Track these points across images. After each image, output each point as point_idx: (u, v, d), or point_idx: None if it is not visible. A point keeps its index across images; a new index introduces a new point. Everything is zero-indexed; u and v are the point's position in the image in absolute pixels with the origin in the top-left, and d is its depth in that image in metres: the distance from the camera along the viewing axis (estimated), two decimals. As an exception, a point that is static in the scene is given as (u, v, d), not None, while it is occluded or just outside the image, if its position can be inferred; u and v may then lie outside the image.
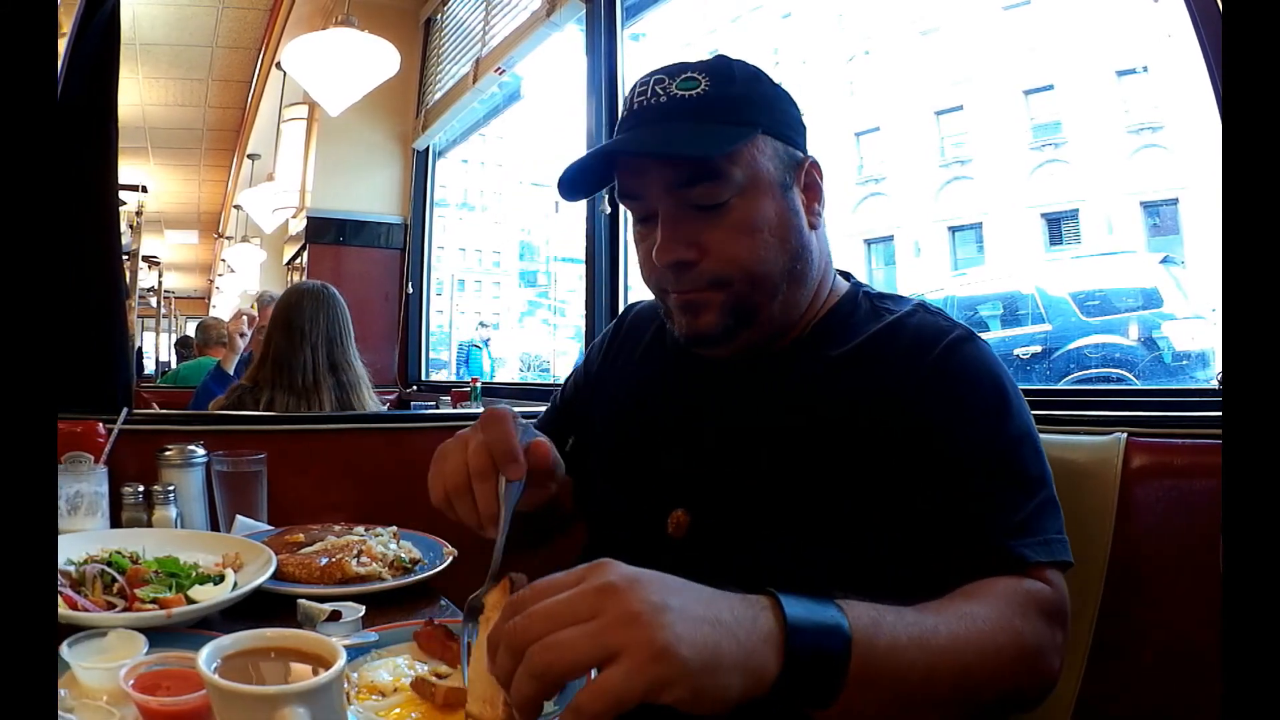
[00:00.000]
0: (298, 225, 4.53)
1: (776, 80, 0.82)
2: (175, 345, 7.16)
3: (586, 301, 2.36)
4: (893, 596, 0.58)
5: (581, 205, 2.32)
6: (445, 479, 0.68)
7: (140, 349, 6.66)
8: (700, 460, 0.80)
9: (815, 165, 0.82)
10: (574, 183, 0.82)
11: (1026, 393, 0.77)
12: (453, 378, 3.89)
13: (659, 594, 0.45)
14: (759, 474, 0.76)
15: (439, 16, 4.00)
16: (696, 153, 0.75)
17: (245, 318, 2.82)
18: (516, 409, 0.72)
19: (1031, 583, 0.65)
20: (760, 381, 0.80)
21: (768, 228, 0.76)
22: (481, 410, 0.80)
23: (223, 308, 8.25)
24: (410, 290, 3.97)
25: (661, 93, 0.77)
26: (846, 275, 0.90)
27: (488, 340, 8.89)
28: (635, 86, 0.80)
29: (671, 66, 0.79)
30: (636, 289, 2.29)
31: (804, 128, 0.84)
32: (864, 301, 0.84)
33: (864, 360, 0.77)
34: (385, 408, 2.12)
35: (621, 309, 2.14)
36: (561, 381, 1.10)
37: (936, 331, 0.76)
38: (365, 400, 1.94)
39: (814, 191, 0.82)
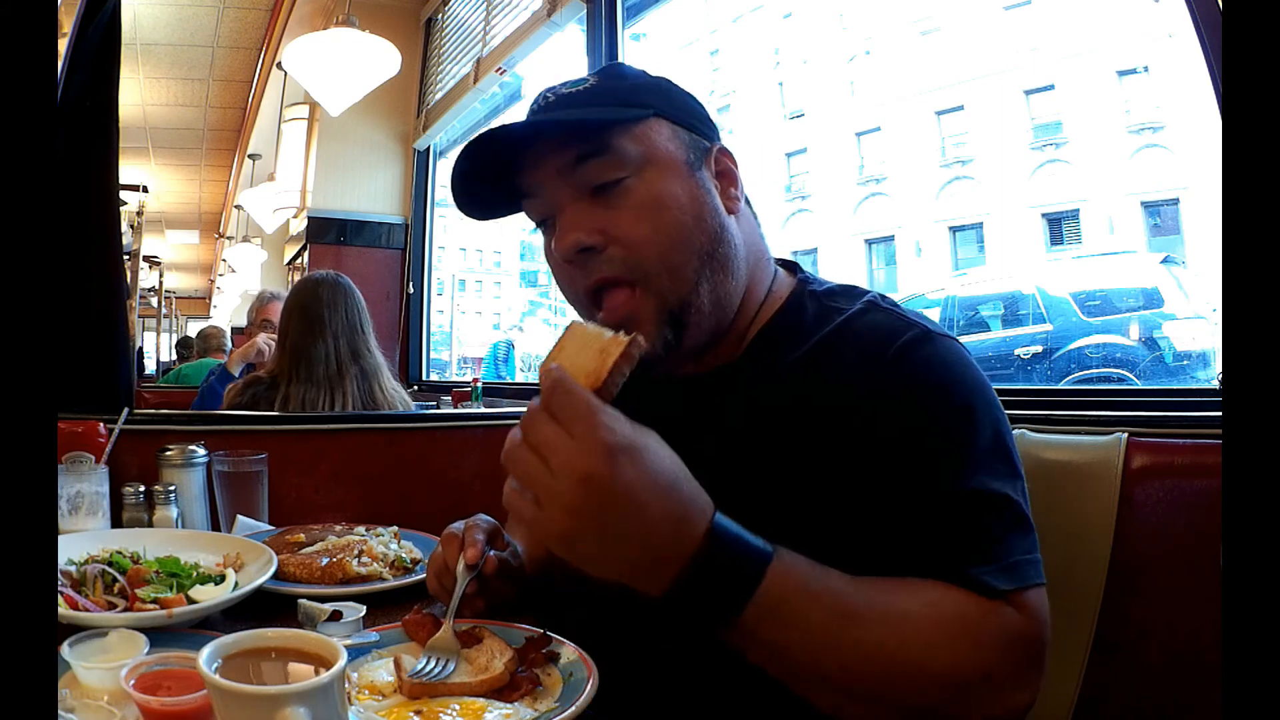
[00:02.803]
0: (298, 225, 4.53)
1: (680, 84, 0.80)
2: (176, 346, 7.16)
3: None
4: None
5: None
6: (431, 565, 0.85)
7: (141, 349, 6.66)
8: None
9: (725, 152, 0.78)
10: (473, 196, 0.78)
11: (1027, 393, 0.76)
12: (482, 377, 3.85)
13: (593, 498, 0.53)
14: (721, 496, 0.72)
15: (440, 16, 4.00)
16: (578, 117, 0.72)
17: (264, 348, 2.69)
18: (514, 409, 0.74)
19: (998, 611, 0.60)
20: (713, 398, 0.76)
21: (676, 206, 0.72)
22: (482, 409, 0.82)
23: (224, 308, 8.25)
24: (411, 290, 3.97)
25: (551, 95, 0.76)
26: (792, 266, 0.85)
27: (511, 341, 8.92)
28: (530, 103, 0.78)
29: (567, 79, 0.77)
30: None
31: (712, 123, 0.80)
32: (811, 302, 0.78)
33: (815, 368, 0.72)
34: (409, 392, 2.08)
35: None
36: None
37: (890, 332, 0.70)
38: (386, 387, 1.88)
39: (729, 177, 0.78)
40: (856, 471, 0.66)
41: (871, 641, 0.57)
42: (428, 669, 0.68)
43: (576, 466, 0.53)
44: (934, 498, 0.64)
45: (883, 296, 0.76)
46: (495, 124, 0.76)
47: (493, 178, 0.76)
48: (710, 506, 0.58)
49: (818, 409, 0.69)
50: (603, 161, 0.71)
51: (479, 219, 0.81)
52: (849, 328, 0.73)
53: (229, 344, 4.22)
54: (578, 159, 0.71)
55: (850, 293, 0.78)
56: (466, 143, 0.73)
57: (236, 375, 2.54)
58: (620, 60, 2.30)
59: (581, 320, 0.69)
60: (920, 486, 0.64)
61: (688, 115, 0.77)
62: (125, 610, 0.80)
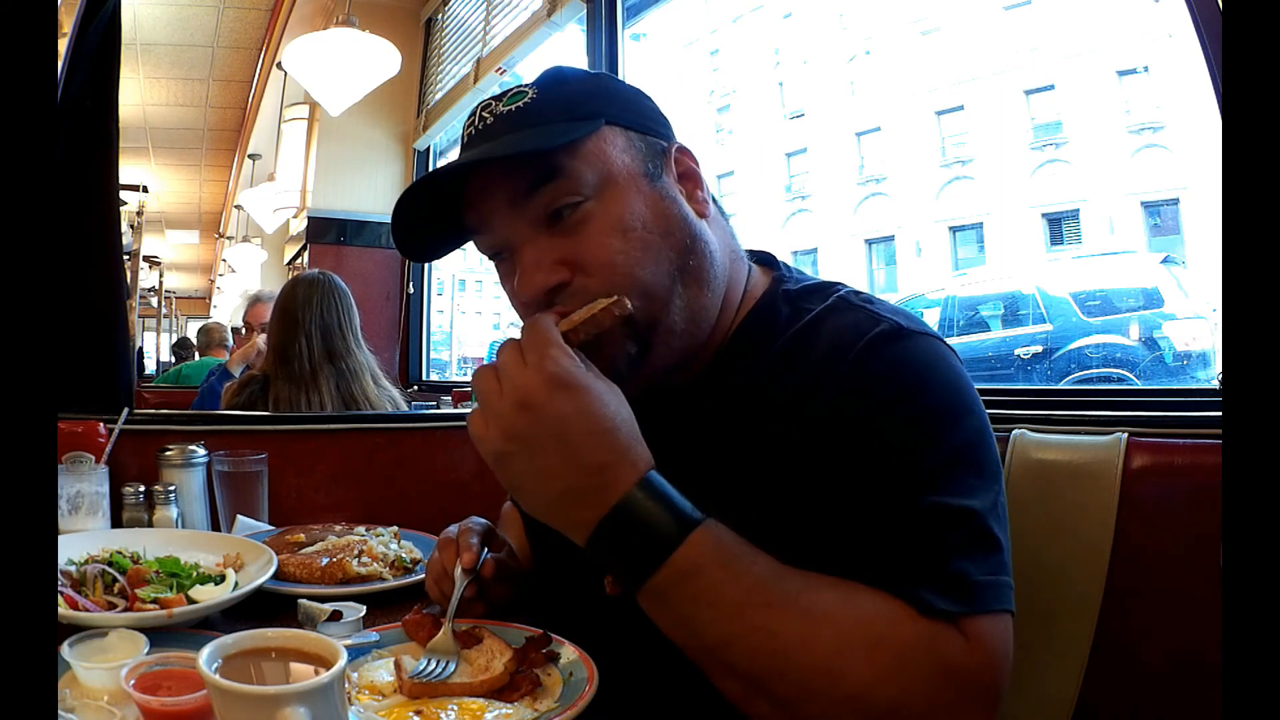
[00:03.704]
0: (298, 225, 4.53)
1: (628, 81, 0.77)
2: (173, 347, 7.15)
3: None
4: None
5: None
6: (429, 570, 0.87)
7: (140, 349, 6.66)
8: None
9: (684, 150, 0.73)
10: (414, 238, 0.72)
11: (1027, 393, 0.75)
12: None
13: (534, 426, 0.56)
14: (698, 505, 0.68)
15: (440, 16, 4.00)
16: (522, 147, 0.65)
17: (264, 348, 2.72)
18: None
19: (938, 634, 0.54)
20: (679, 414, 0.71)
21: (642, 224, 0.66)
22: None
23: (223, 308, 8.24)
24: (411, 290, 3.97)
25: (489, 116, 0.69)
26: (769, 261, 0.80)
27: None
28: (465, 121, 0.73)
29: (503, 91, 0.71)
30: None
31: (664, 118, 0.74)
32: (784, 304, 0.73)
33: (780, 372, 0.67)
34: (404, 393, 2.07)
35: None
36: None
37: (854, 332, 0.65)
38: (369, 389, 1.88)
39: (692, 178, 0.72)
40: (817, 480, 0.62)
41: (784, 634, 0.54)
42: (427, 670, 0.68)
43: (519, 390, 0.56)
44: (886, 508, 0.59)
45: (856, 292, 0.71)
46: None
47: (436, 216, 0.71)
48: (646, 463, 0.58)
49: (782, 416, 0.65)
50: (556, 185, 0.66)
51: (421, 260, 0.79)
52: (815, 328, 0.68)
53: (230, 340, 4.21)
54: (529, 188, 0.66)
55: (823, 290, 0.73)
56: (405, 189, 0.68)
57: (237, 375, 2.54)
58: (619, 62, 2.30)
59: None
60: (873, 496, 0.59)
61: (639, 116, 0.72)
62: (125, 610, 0.80)
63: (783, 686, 0.54)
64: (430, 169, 4.09)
